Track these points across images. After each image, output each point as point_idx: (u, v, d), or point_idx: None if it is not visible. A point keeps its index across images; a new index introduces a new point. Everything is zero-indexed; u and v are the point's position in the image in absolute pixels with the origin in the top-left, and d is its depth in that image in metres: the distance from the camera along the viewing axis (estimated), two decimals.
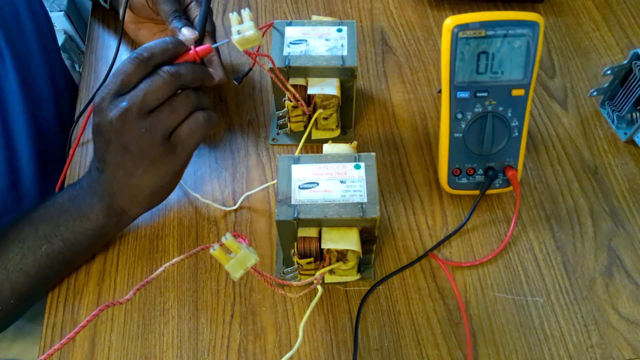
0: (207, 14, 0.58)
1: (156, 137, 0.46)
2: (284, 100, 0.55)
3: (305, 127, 0.58)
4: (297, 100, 0.54)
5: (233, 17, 0.47)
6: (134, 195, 0.49)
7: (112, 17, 0.72)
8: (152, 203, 0.51)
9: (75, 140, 0.61)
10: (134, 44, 0.69)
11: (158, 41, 0.46)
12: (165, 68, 0.45)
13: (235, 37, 0.47)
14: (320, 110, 0.55)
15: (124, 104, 0.44)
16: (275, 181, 0.56)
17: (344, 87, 0.54)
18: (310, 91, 0.53)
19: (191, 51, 0.47)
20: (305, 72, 0.53)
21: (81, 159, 0.61)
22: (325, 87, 0.53)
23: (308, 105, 0.55)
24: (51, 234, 0.48)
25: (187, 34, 0.55)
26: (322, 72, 0.53)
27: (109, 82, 0.45)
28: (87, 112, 0.61)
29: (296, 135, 0.60)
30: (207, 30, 0.58)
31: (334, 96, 0.53)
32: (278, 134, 0.60)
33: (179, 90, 0.46)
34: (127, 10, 0.61)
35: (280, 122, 0.59)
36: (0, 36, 0.56)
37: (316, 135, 0.59)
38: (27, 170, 0.59)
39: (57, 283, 0.52)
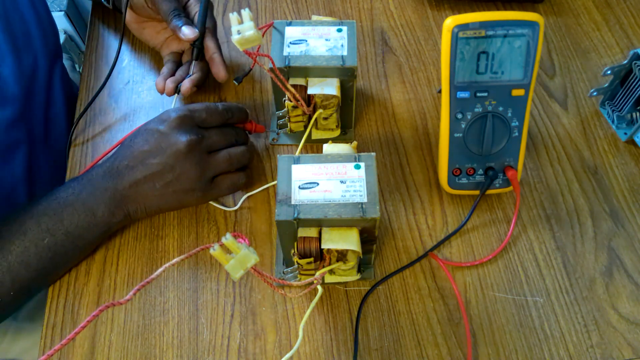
0: (207, 10, 0.58)
1: (205, 174, 0.51)
2: (284, 100, 0.55)
3: (305, 127, 0.58)
4: (297, 100, 0.54)
5: (233, 17, 0.47)
6: (147, 206, 0.51)
7: (112, 17, 0.72)
8: (156, 214, 0.55)
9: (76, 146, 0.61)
10: (134, 44, 0.69)
11: (239, 105, 0.55)
12: (236, 131, 0.54)
13: (235, 37, 0.47)
14: (320, 110, 0.55)
15: (200, 135, 0.50)
16: (275, 182, 0.56)
17: (344, 87, 0.54)
18: (310, 91, 0.53)
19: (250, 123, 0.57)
20: (305, 72, 0.53)
21: (72, 163, 0.61)
22: (325, 87, 0.53)
23: (308, 105, 0.55)
24: (54, 227, 0.48)
25: (187, 32, 0.57)
26: (322, 72, 0.53)
27: (197, 109, 0.52)
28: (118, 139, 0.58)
29: (296, 135, 0.60)
30: (207, 27, 0.59)
31: (334, 96, 0.53)
32: (278, 134, 0.60)
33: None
34: (129, 10, 0.61)
35: (280, 122, 0.59)
36: (3, 38, 0.56)
37: (316, 135, 0.59)
38: (19, 176, 0.59)
39: (56, 277, 0.52)
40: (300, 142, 0.54)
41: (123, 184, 0.50)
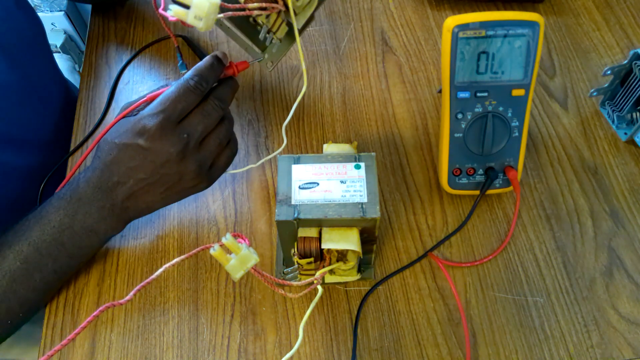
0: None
1: (203, 167, 0.48)
2: (252, 20, 0.47)
3: (289, 24, 0.48)
4: (265, 9, 0.44)
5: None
6: (150, 207, 0.50)
7: (112, 17, 0.72)
8: (154, 211, 0.52)
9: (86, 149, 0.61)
10: (133, 42, 0.69)
11: (207, 63, 0.47)
12: (217, 102, 0.48)
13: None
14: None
15: (185, 135, 0.46)
16: (264, 160, 0.53)
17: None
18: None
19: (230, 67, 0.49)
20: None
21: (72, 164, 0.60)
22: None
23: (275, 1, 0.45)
24: (56, 252, 0.48)
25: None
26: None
27: (165, 107, 0.45)
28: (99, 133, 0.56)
29: (287, 39, 0.51)
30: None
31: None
32: (264, 58, 0.51)
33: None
34: None
35: (266, 39, 0.49)
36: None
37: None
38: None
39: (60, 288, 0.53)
40: (291, 44, 0.49)
41: (119, 197, 0.48)
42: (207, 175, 0.49)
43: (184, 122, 0.46)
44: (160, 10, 0.44)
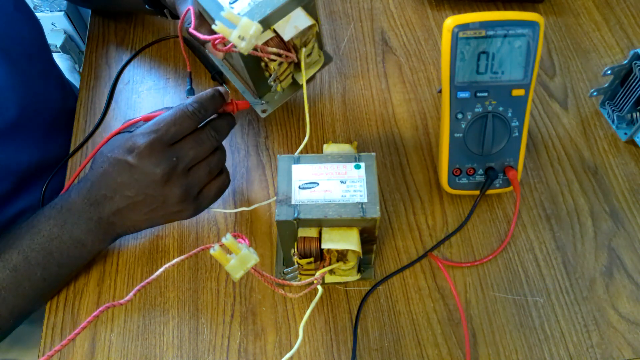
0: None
1: (189, 193, 0.48)
2: (264, 65, 0.50)
3: (293, 77, 0.52)
4: (280, 55, 0.48)
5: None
6: (136, 227, 0.50)
7: (113, 17, 0.72)
8: (141, 230, 0.52)
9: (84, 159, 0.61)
10: (133, 42, 0.69)
11: (209, 94, 0.48)
12: (213, 132, 0.48)
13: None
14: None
15: (174, 158, 0.46)
16: (274, 199, 0.54)
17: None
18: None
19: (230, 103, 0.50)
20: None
21: (72, 164, 0.60)
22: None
23: (289, 50, 0.49)
24: (45, 261, 0.48)
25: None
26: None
27: (159, 128, 0.45)
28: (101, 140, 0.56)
29: (289, 90, 0.54)
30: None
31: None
32: (262, 104, 0.55)
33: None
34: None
35: (272, 85, 0.52)
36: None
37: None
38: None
39: (54, 296, 0.53)
40: (289, 95, 0.52)
41: (106, 212, 0.48)
42: (193, 203, 0.49)
43: (176, 145, 0.47)
44: (191, 30, 0.47)
